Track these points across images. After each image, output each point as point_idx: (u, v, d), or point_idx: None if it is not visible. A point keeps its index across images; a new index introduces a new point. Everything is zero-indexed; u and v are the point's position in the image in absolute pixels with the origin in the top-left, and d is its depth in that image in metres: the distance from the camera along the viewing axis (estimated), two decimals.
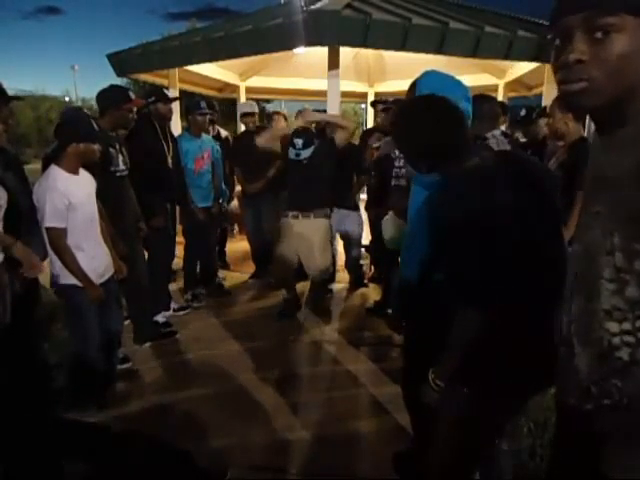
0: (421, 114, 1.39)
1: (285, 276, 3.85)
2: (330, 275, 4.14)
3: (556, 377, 0.98)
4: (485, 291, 1.23)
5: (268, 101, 20.41)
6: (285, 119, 4.78)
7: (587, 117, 3.91)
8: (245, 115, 4.51)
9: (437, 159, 1.38)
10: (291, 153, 3.61)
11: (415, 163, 1.48)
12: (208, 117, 3.99)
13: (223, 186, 4.44)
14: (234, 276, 4.61)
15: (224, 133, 4.87)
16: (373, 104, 4.37)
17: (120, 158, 2.96)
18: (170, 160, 3.51)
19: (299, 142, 3.58)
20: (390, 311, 3.72)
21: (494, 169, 1.32)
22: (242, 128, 4.75)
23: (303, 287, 4.31)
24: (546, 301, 1.24)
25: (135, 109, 3.09)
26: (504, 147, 2.52)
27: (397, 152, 3.51)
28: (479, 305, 1.24)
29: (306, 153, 3.58)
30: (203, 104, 3.92)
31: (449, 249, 1.28)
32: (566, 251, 1.30)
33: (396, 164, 3.57)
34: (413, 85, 1.75)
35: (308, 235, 3.62)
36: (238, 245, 4.90)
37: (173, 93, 5.79)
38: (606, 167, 0.83)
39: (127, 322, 3.25)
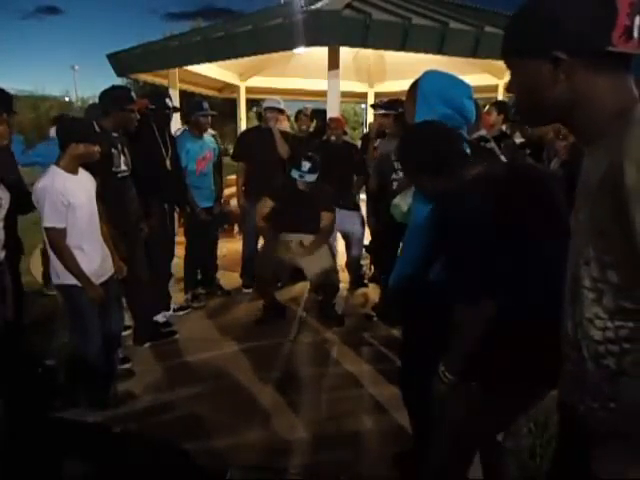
0: (416, 140, 1.52)
1: (266, 288, 3.80)
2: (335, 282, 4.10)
3: (563, 379, 0.98)
4: (490, 289, 1.26)
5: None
6: (288, 119, 4.77)
7: None
8: (270, 110, 4.15)
9: (435, 176, 1.46)
10: (294, 174, 3.54)
11: (419, 185, 1.58)
12: (209, 118, 3.99)
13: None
14: (233, 276, 4.60)
15: (211, 132, 4.80)
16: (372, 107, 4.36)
17: (122, 159, 2.96)
18: (168, 162, 3.51)
19: (306, 165, 3.50)
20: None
21: (494, 179, 1.36)
22: (243, 127, 4.66)
23: (302, 287, 4.32)
24: (553, 301, 1.25)
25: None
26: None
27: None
28: (486, 300, 1.27)
29: (311, 178, 3.53)
30: (205, 105, 3.90)
31: (459, 250, 1.31)
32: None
33: (397, 165, 3.55)
34: (414, 85, 1.75)
35: (311, 256, 3.64)
36: (238, 245, 4.89)
37: (173, 94, 5.79)
38: (587, 175, 0.84)
39: (127, 322, 3.26)
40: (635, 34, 0.76)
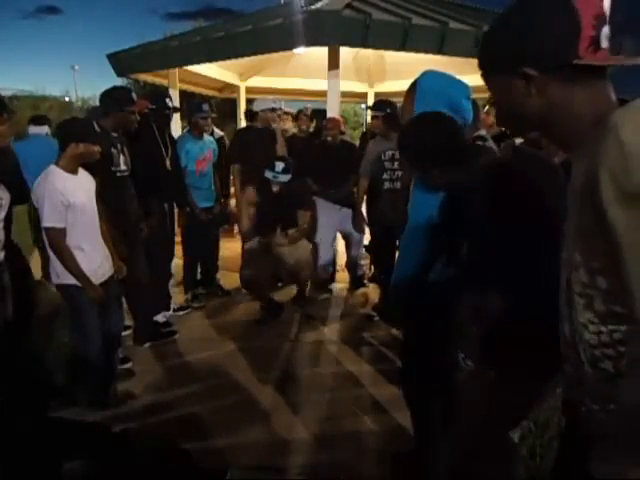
0: (419, 132, 1.51)
1: (259, 290, 3.83)
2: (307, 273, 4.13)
3: (565, 380, 0.98)
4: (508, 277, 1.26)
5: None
6: (292, 119, 4.75)
7: None
8: (268, 111, 4.04)
9: (440, 167, 1.45)
10: (268, 174, 3.58)
11: (426, 176, 1.55)
12: (209, 119, 3.99)
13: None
14: (233, 276, 4.59)
15: (219, 133, 4.80)
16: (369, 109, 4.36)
17: (122, 158, 2.97)
18: (168, 162, 3.50)
19: (280, 166, 3.56)
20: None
21: (502, 170, 1.34)
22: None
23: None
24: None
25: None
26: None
27: (390, 153, 3.50)
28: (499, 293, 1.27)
29: (284, 178, 3.58)
30: (205, 107, 3.90)
31: (471, 239, 1.33)
32: None
33: (388, 166, 3.54)
34: (413, 85, 1.75)
35: (289, 251, 3.70)
36: (238, 245, 4.89)
37: (173, 94, 5.79)
38: (573, 182, 0.84)
39: (127, 322, 3.26)
40: (603, 44, 0.76)
